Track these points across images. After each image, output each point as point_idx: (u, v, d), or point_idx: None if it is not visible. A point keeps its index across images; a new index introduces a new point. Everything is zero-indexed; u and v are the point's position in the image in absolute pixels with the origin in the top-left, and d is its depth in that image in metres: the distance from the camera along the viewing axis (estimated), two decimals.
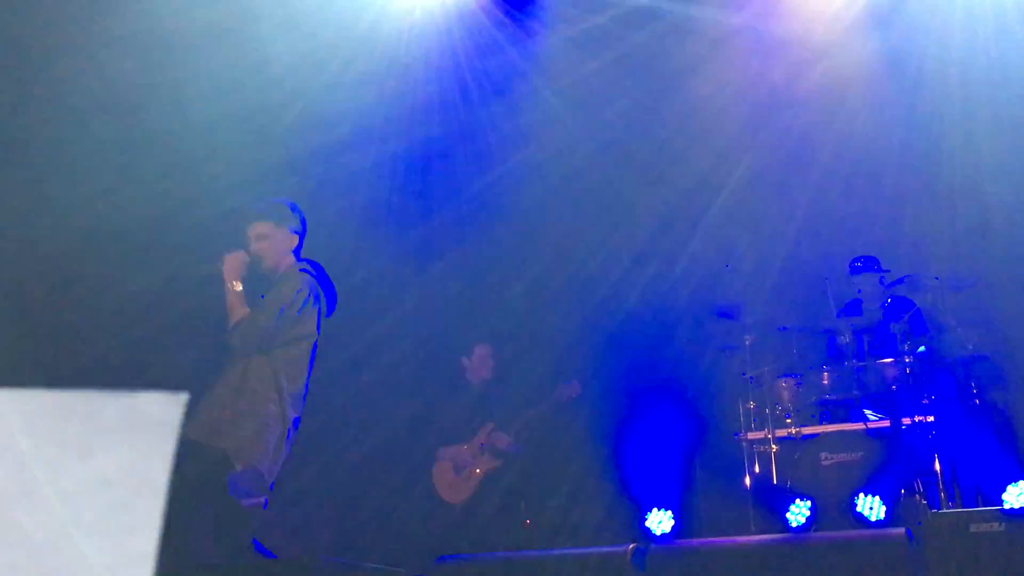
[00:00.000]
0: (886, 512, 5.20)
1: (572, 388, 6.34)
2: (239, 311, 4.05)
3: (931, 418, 5.70)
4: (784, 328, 6.32)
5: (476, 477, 6.27)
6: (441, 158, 7.29)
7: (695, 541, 3.58)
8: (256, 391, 3.92)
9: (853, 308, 6.53)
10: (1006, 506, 4.82)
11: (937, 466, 5.61)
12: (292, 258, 4.30)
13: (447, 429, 6.51)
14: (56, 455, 1.23)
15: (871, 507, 5.28)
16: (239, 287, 4.07)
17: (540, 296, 7.30)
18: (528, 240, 7.45)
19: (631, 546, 3.50)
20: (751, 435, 6.13)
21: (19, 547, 1.18)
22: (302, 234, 4.38)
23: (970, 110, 6.57)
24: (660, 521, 6.03)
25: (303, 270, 4.22)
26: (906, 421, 5.80)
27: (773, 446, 6.02)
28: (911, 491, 5.42)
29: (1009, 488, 5.37)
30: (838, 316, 6.18)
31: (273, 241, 4.24)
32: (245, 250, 4.20)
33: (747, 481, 6.05)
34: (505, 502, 6.43)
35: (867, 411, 6.00)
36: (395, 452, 6.51)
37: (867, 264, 6.55)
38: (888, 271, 6.43)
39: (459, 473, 6.33)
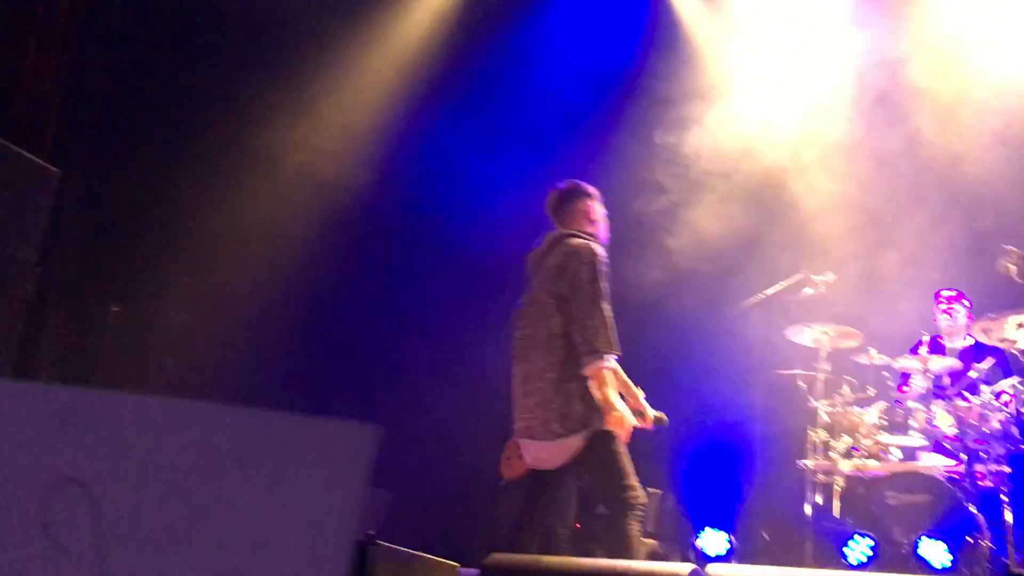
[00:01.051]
0: (952, 560, 5.06)
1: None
2: None
3: (1008, 468, 5.52)
4: (862, 361, 6.17)
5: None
6: None
7: (751, 567, 3.50)
8: None
9: (934, 346, 6.36)
10: None
11: (1008, 517, 5.43)
12: None
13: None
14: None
15: (935, 553, 5.14)
16: None
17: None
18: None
19: (690, 568, 3.44)
20: (816, 465, 6.00)
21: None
22: None
23: None
24: (715, 542, 5.97)
25: None
26: (980, 468, 5.63)
27: (838, 479, 5.89)
28: (977, 541, 5.26)
29: None
30: (916, 353, 6.02)
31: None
32: None
33: (807, 511, 5.93)
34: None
35: (940, 455, 5.83)
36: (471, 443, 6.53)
37: (958, 296, 6.37)
38: (969, 306, 6.27)
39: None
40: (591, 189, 4.69)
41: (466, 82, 7.60)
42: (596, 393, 4.18)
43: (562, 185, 4.70)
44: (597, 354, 4.14)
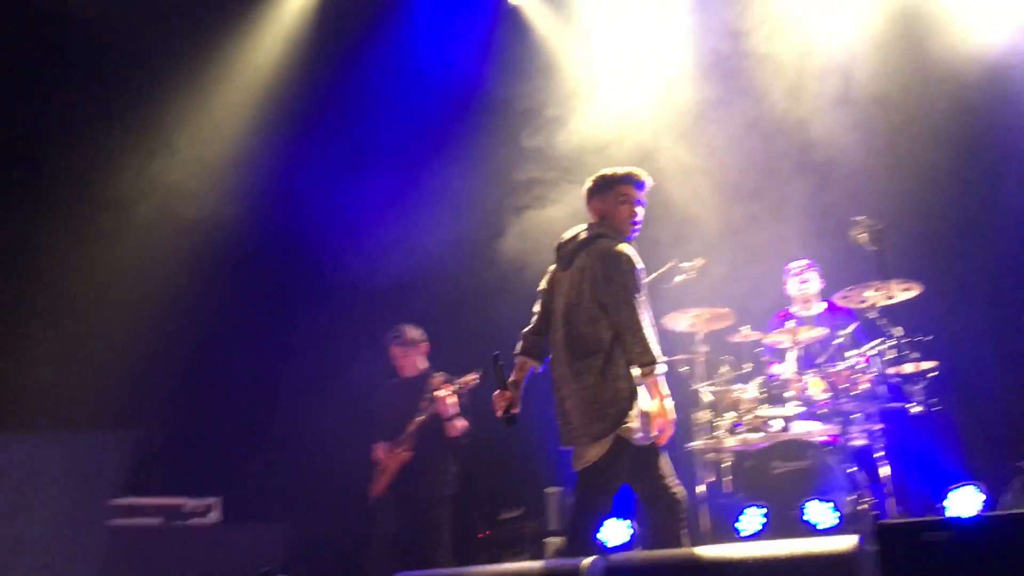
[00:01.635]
0: (838, 519, 5.31)
1: (471, 378, 6.08)
2: None
3: (878, 426, 5.82)
4: (735, 340, 6.40)
5: (391, 468, 6.10)
6: None
7: (649, 553, 3.60)
8: None
9: (787, 315, 6.66)
10: (949, 511, 4.94)
11: (883, 473, 5.73)
12: None
13: (386, 427, 6.33)
14: None
15: (822, 515, 5.38)
16: None
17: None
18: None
19: (588, 559, 3.50)
20: (704, 444, 6.19)
21: None
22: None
23: None
24: (617, 532, 6.08)
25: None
26: (854, 429, 5.93)
27: (726, 455, 6.09)
28: (859, 499, 5.53)
29: (952, 494, 5.54)
30: (779, 327, 6.29)
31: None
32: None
33: (698, 491, 6.12)
34: (459, 515, 6.41)
35: (816, 420, 6.10)
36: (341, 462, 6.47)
37: (807, 268, 6.68)
38: (820, 272, 6.60)
39: (379, 466, 6.18)
40: (627, 172, 4.60)
41: (324, 105, 7.53)
42: (652, 398, 4.33)
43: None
44: (655, 362, 4.28)
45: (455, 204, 7.40)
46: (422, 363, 6.39)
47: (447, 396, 5.92)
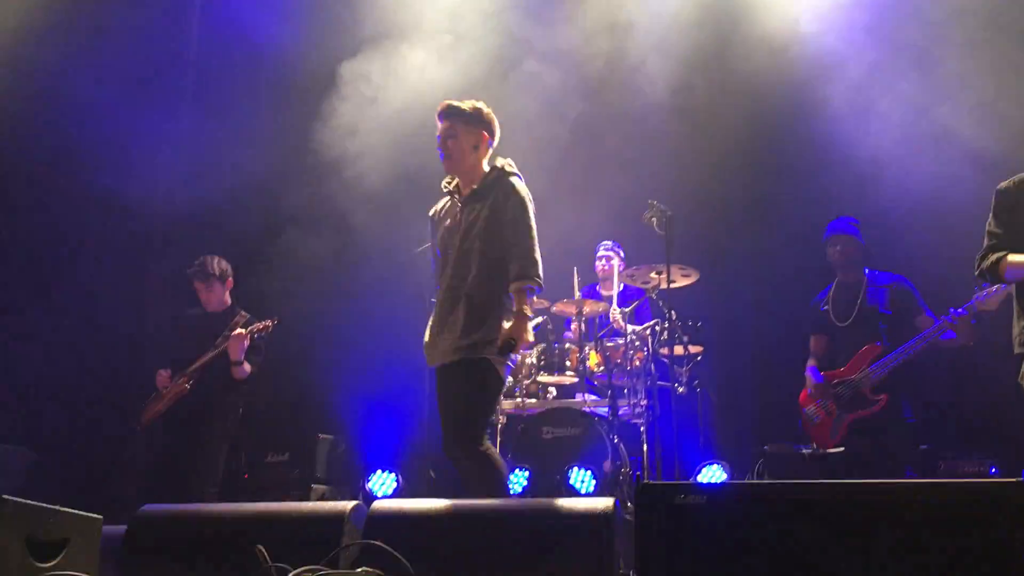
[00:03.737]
0: (595, 485, 5.56)
1: (267, 324, 5.91)
2: None
3: (644, 402, 6.12)
4: None
5: (167, 397, 5.83)
6: None
7: (413, 501, 3.60)
8: None
9: (590, 292, 6.87)
10: None
11: (644, 447, 6.04)
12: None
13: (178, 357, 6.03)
14: None
15: (583, 480, 5.62)
16: None
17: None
18: None
19: (351, 504, 3.45)
20: None
21: None
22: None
23: None
24: (383, 483, 6.09)
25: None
26: (622, 403, 6.21)
27: (500, 418, 6.21)
28: (618, 468, 5.81)
29: (703, 469, 5.95)
30: (574, 299, 6.47)
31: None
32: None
33: None
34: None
35: (589, 391, 6.34)
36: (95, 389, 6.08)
37: (614, 245, 6.91)
38: (625, 261, 6.83)
39: (157, 393, 5.90)
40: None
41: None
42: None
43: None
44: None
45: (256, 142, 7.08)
46: (227, 298, 6.04)
47: (241, 338, 5.67)
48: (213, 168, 7.05)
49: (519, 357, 6.25)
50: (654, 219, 6.00)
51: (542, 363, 6.30)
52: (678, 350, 6.17)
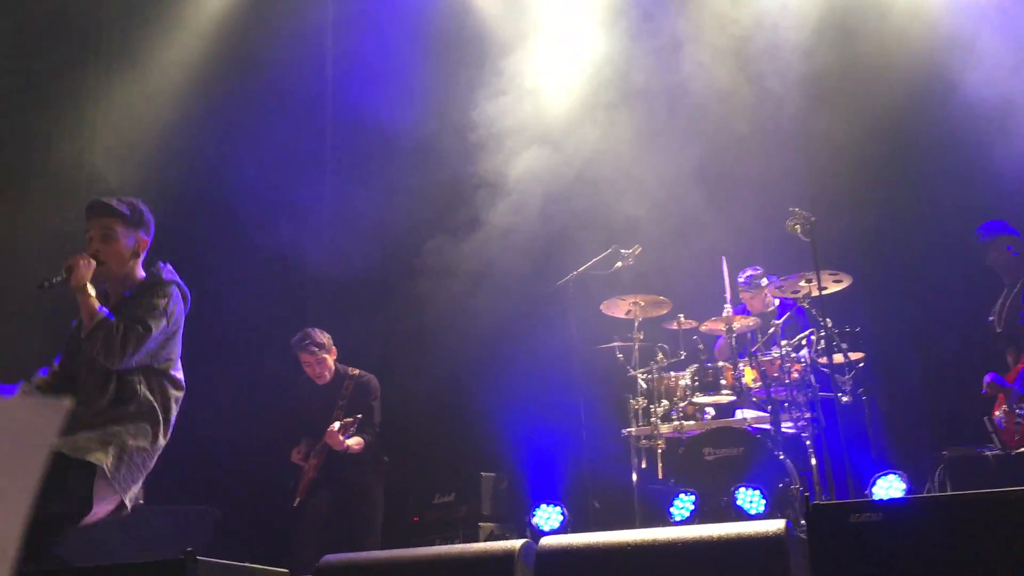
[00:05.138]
0: (765, 505, 5.39)
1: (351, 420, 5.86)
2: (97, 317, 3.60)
3: (808, 414, 5.92)
4: (671, 327, 6.45)
5: (308, 477, 5.98)
6: None
7: (581, 536, 3.60)
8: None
9: (740, 309, 6.73)
10: (875, 498, 5.05)
11: (813, 461, 5.84)
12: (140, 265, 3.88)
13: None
14: None
15: (751, 500, 5.46)
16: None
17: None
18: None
19: (522, 542, 3.48)
20: (638, 431, 6.24)
21: None
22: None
23: None
24: (549, 517, 6.11)
25: (169, 277, 3.85)
26: (785, 418, 6.02)
27: (659, 442, 6.14)
28: (788, 485, 5.62)
29: (879, 481, 5.68)
30: (727, 315, 6.35)
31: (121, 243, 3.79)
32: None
33: (634, 477, 6.17)
34: (393, 499, 6.36)
35: (749, 408, 6.19)
36: (271, 449, 6.36)
37: (747, 280, 6.76)
38: (766, 273, 6.66)
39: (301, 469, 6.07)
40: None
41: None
42: None
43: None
44: None
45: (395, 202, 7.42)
46: (334, 367, 6.22)
47: (335, 437, 5.77)
48: (356, 227, 7.38)
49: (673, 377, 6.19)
50: (798, 226, 5.84)
51: (696, 383, 6.20)
52: (838, 358, 5.93)
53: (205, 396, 6.78)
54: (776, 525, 3.11)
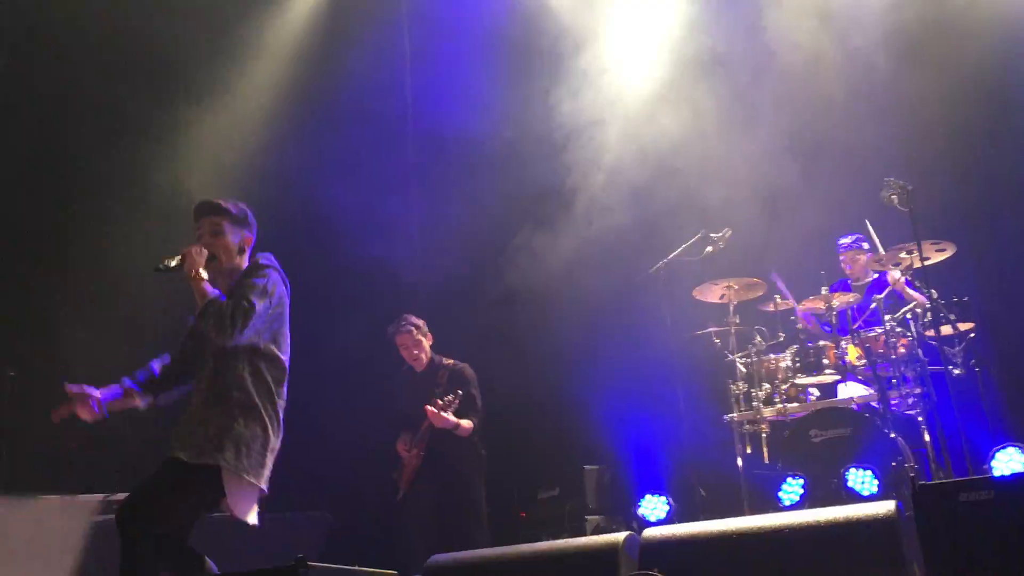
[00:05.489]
0: (878, 486, 5.23)
1: (451, 398, 5.88)
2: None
3: (918, 390, 5.72)
4: (768, 308, 6.33)
5: (411, 465, 6.03)
6: None
7: (685, 526, 3.57)
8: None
9: (841, 284, 6.56)
10: (994, 473, 4.84)
11: (926, 437, 5.64)
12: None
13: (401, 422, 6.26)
14: None
15: (863, 481, 5.31)
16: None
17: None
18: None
19: (625, 534, 3.48)
20: (740, 416, 6.14)
21: None
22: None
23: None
24: (655, 507, 6.06)
25: (266, 262, 4.01)
26: (893, 394, 5.83)
27: (763, 426, 6.04)
28: (901, 464, 5.44)
29: (997, 455, 5.44)
30: (826, 293, 6.19)
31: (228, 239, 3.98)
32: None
33: (739, 462, 6.07)
34: (497, 495, 6.41)
35: (854, 385, 6.02)
36: (377, 450, 6.48)
37: (855, 242, 6.59)
38: (870, 249, 6.46)
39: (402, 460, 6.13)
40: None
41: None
42: None
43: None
44: None
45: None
46: (428, 351, 6.25)
47: (441, 417, 5.79)
48: (445, 234, 7.49)
49: (773, 360, 6.07)
50: (894, 196, 5.65)
51: (798, 365, 6.06)
52: (946, 330, 5.72)
53: (315, 405, 7.02)
54: (887, 507, 3.02)
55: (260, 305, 3.78)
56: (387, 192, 7.70)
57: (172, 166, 7.30)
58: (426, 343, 6.17)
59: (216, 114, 7.49)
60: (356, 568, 3.42)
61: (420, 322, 6.19)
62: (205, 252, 3.87)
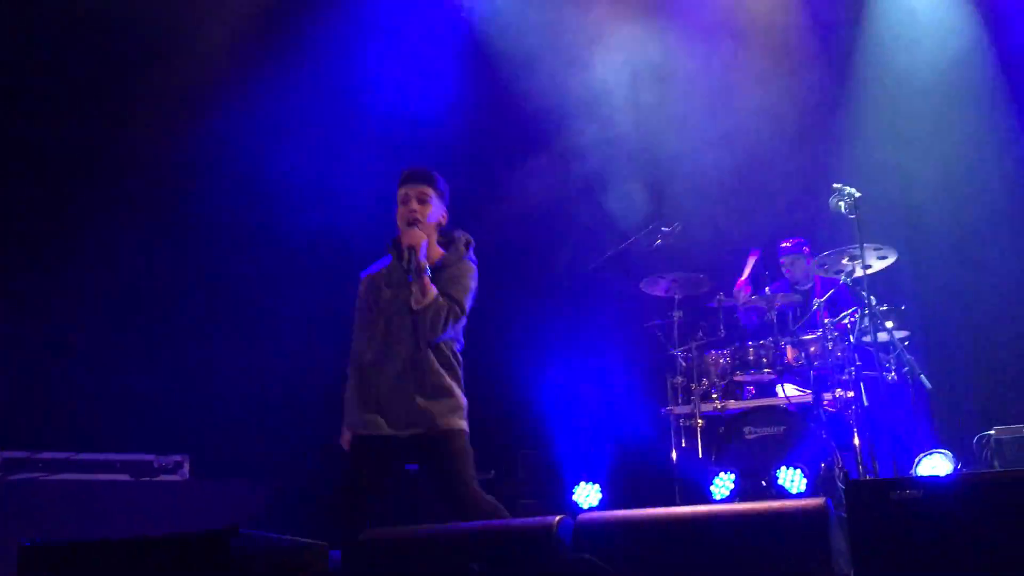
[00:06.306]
0: (807, 485, 5.34)
1: None
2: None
3: (851, 393, 5.84)
4: (712, 305, 6.40)
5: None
6: None
7: (620, 512, 3.59)
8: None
9: (782, 285, 6.66)
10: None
11: (856, 440, 5.76)
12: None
13: None
14: None
15: (792, 480, 5.42)
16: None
17: None
18: None
19: (557, 518, 3.48)
20: (678, 410, 6.21)
21: None
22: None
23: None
24: (588, 494, 6.11)
25: (473, 259, 4.08)
26: (827, 396, 5.95)
27: (699, 421, 6.11)
28: (831, 465, 5.56)
29: (923, 460, 5.59)
30: (763, 293, 6.27)
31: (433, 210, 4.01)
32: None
33: (673, 456, 6.14)
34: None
35: (790, 386, 6.12)
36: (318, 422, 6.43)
37: (796, 245, 6.69)
38: (809, 251, 6.58)
39: None
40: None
41: None
42: None
43: None
44: None
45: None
46: None
47: None
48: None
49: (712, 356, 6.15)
50: (841, 203, 5.74)
51: (737, 362, 6.15)
52: (882, 336, 5.84)
53: (264, 376, 6.93)
54: (816, 503, 3.07)
55: (468, 310, 3.96)
56: (336, 161, 7.54)
57: None
58: None
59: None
60: (286, 537, 3.37)
61: None
62: (425, 240, 3.89)
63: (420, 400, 3.91)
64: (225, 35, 7.26)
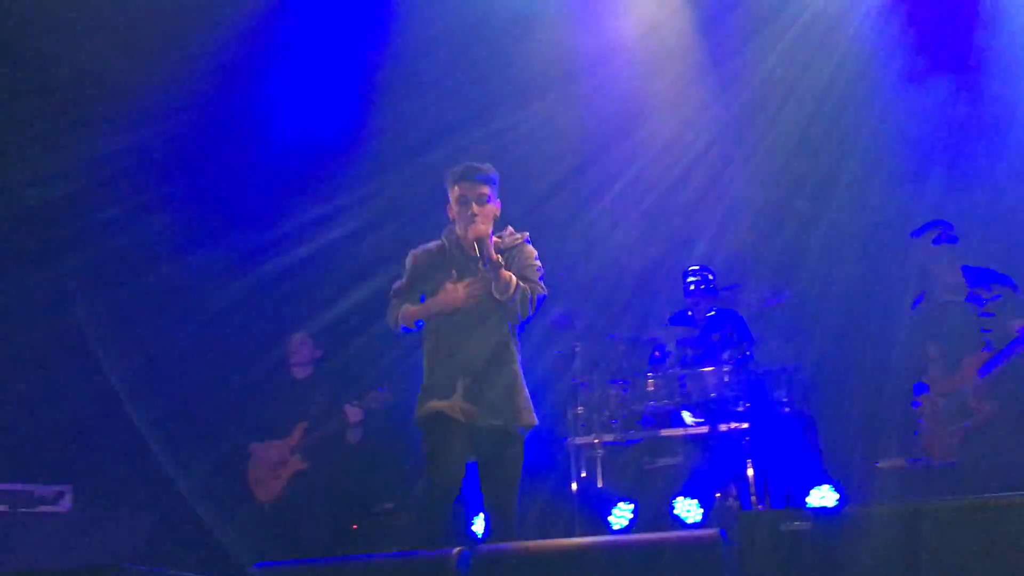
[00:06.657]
0: (703, 515, 5.44)
1: (382, 396, 6.13)
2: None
3: (745, 425, 5.98)
4: (613, 336, 6.47)
5: (285, 476, 6.05)
6: None
7: (518, 543, 3.59)
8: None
9: (681, 318, 6.78)
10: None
11: (750, 471, 5.89)
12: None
13: (265, 425, 6.27)
14: None
15: (688, 510, 5.52)
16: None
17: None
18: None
19: (456, 549, 3.46)
20: (579, 440, 6.24)
21: None
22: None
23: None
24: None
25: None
26: (723, 427, 6.07)
27: (599, 451, 6.15)
28: (726, 495, 5.68)
29: (813, 492, 5.76)
30: (666, 326, 6.40)
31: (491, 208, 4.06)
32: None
33: (573, 486, 6.17)
34: (331, 506, 6.29)
35: (687, 416, 6.23)
36: (209, 449, 6.26)
37: (700, 271, 6.82)
38: (715, 284, 6.73)
39: (270, 470, 6.09)
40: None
41: None
42: None
43: None
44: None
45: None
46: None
47: (354, 413, 5.94)
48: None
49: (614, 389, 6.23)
50: (741, 240, 5.92)
51: (636, 392, 6.22)
52: (776, 369, 6.02)
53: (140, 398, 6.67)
54: (709, 534, 3.12)
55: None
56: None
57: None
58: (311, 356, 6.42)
59: None
60: (173, 573, 3.26)
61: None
62: (488, 231, 3.94)
63: (501, 393, 3.97)
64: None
